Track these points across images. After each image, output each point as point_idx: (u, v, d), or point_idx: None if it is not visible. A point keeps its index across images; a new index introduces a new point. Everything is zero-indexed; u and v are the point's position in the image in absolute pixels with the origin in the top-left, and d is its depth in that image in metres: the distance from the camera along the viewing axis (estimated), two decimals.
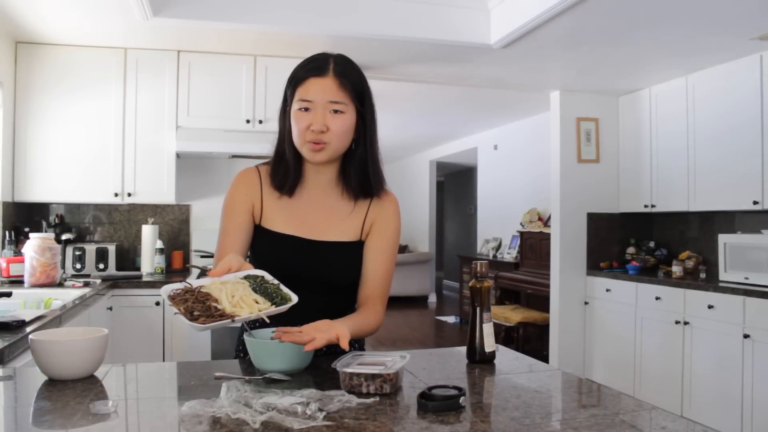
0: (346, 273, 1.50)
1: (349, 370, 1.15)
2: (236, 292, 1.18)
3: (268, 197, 1.49)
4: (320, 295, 1.46)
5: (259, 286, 1.24)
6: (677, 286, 3.99)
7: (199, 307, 1.08)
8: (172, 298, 1.09)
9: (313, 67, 1.40)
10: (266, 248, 1.49)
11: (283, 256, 1.47)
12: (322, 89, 1.38)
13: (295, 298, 1.24)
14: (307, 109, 1.39)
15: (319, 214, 1.49)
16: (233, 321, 1.06)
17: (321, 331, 1.25)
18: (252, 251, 1.51)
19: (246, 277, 1.26)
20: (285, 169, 1.47)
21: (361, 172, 1.48)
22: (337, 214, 1.50)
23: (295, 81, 1.41)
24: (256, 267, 1.46)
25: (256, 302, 1.19)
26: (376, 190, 1.50)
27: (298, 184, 1.50)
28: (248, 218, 1.49)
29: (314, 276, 1.46)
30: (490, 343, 1.45)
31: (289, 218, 1.48)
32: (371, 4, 3.56)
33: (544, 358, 4.98)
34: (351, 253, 1.50)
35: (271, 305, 1.17)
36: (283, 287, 1.25)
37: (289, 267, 1.45)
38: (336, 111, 1.39)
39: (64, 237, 3.76)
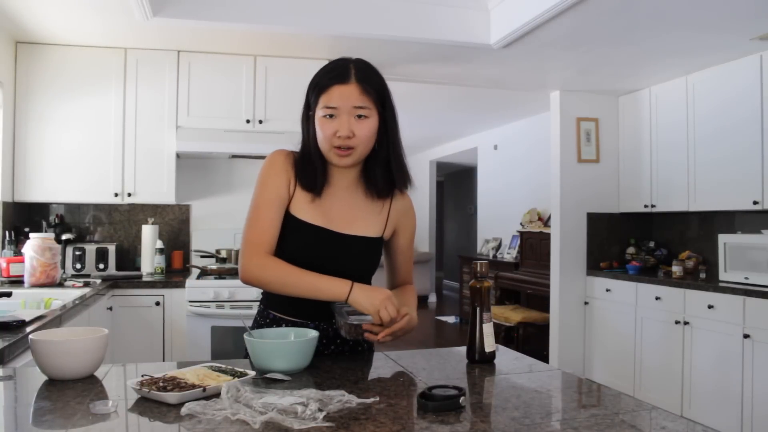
0: (365, 266, 1.58)
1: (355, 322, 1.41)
2: (199, 372, 1.22)
3: (297, 185, 1.53)
4: None
5: (216, 370, 1.26)
6: (677, 286, 3.99)
7: (170, 384, 1.13)
8: (141, 384, 1.12)
9: (335, 74, 1.44)
10: (290, 235, 1.52)
11: (308, 244, 1.51)
12: (346, 96, 1.42)
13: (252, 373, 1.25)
14: (332, 116, 1.43)
15: (343, 210, 1.55)
16: (204, 390, 1.11)
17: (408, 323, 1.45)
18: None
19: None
20: (313, 172, 1.51)
21: (384, 171, 1.54)
22: (360, 211, 1.56)
23: (319, 88, 1.45)
24: (278, 253, 1.51)
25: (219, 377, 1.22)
26: (400, 186, 1.57)
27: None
28: (287, 192, 1.52)
29: (334, 266, 1.50)
30: (490, 343, 1.45)
31: (315, 211, 1.52)
32: (371, 4, 3.56)
33: (544, 358, 4.98)
34: (372, 247, 1.58)
35: (233, 377, 1.20)
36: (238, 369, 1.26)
37: (311, 256, 1.50)
38: (360, 116, 1.44)
39: (64, 237, 3.76)
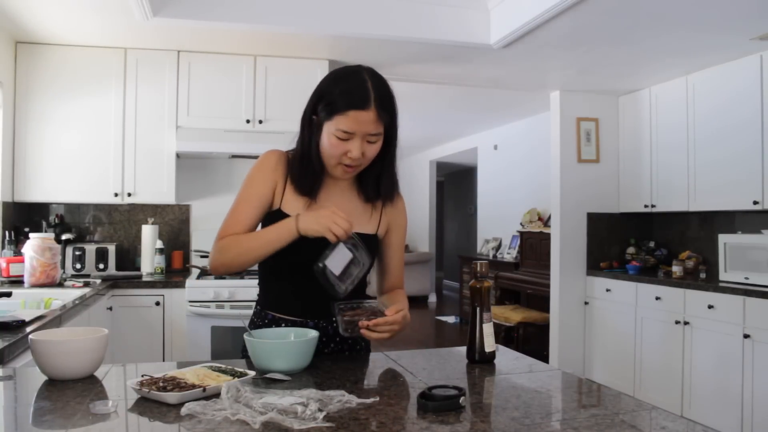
0: None
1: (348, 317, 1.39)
2: (199, 372, 1.22)
3: (290, 185, 1.53)
4: None
5: (216, 370, 1.26)
6: (677, 286, 3.98)
7: (170, 384, 1.13)
8: (141, 384, 1.12)
9: (354, 99, 1.40)
10: None
11: (301, 243, 1.50)
12: (364, 123, 1.41)
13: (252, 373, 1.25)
14: (345, 138, 1.42)
15: (336, 208, 1.52)
16: (204, 390, 1.11)
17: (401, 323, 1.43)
18: None
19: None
20: (312, 177, 1.51)
21: (376, 180, 1.56)
22: (353, 210, 1.57)
23: (333, 107, 1.42)
24: (273, 253, 1.49)
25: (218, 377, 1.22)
26: (387, 195, 1.58)
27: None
28: (270, 193, 1.53)
29: None
30: (490, 343, 1.45)
31: (309, 209, 1.52)
32: (371, 4, 3.56)
33: (544, 358, 4.98)
34: (367, 244, 1.55)
35: (233, 377, 1.20)
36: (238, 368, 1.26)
37: (305, 254, 1.49)
38: (372, 141, 1.45)
39: (64, 237, 3.76)
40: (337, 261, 1.40)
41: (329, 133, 1.43)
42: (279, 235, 1.43)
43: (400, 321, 1.42)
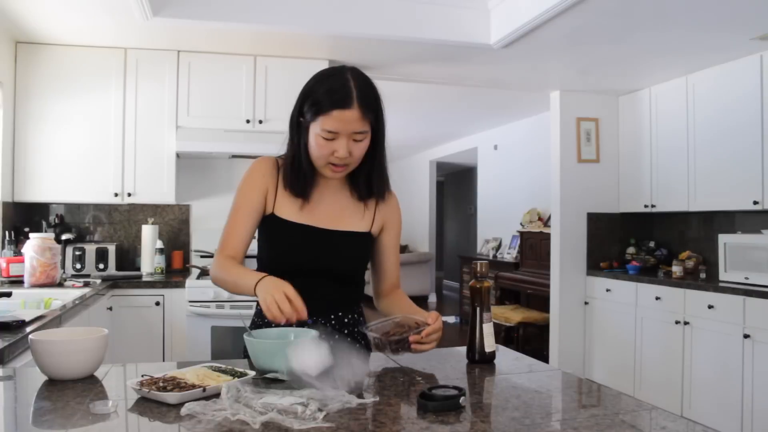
0: (355, 262, 1.59)
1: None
2: (199, 372, 1.22)
3: (282, 189, 1.55)
4: (326, 284, 1.53)
5: (216, 370, 1.26)
6: (677, 286, 3.98)
7: (170, 384, 1.13)
8: (141, 384, 1.12)
9: (337, 99, 1.41)
10: (279, 236, 1.54)
11: (296, 244, 1.53)
12: (348, 121, 1.41)
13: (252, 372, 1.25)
14: (330, 138, 1.43)
15: (329, 208, 1.56)
16: (204, 390, 1.11)
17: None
18: (264, 239, 1.58)
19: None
20: (303, 180, 1.52)
21: (367, 177, 1.56)
22: (346, 209, 1.58)
23: (317, 108, 1.43)
24: (268, 255, 1.55)
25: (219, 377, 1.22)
26: (378, 193, 1.58)
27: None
28: (261, 200, 1.55)
29: (324, 265, 1.52)
30: (490, 343, 1.45)
31: (302, 210, 1.54)
32: (371, 4, 3.56)
33: (544, 358, 4.98)
34: (361, 243, 1.58)
35: (233, 377, 1.20)
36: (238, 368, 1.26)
37: (300, 255, 1.52)
38: (358, 140, 1.45)
39: (64, 237, 3.76)
40: (305, 360, 1.21)
41: (315, 133, 1.45)
42: (244, 286, 1.42)
43: (441, 326, 1.45)
